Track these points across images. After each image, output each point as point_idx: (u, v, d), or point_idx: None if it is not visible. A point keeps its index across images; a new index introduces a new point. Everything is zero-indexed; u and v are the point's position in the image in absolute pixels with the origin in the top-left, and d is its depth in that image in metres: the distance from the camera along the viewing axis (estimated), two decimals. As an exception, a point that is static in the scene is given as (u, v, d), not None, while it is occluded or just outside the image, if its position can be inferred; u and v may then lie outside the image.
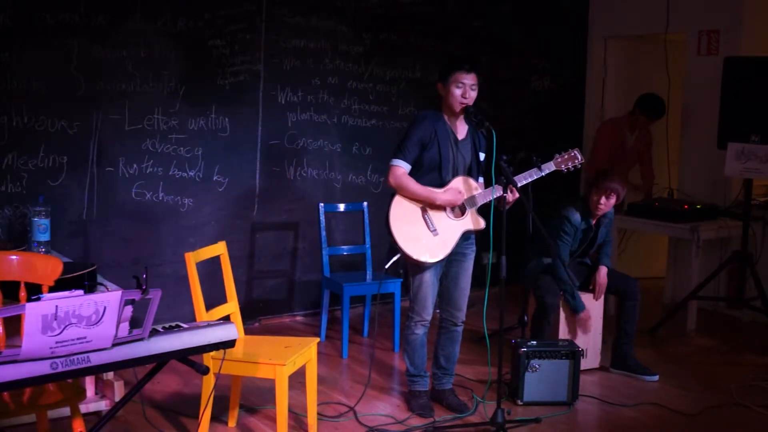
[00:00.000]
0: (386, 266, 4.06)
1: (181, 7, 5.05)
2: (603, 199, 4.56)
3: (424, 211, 3.93)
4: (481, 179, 4.06)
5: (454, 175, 3.96)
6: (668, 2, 6.30)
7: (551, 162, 4.06)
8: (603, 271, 4.72)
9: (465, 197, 3.94)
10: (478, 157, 4.04)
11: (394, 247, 3.94)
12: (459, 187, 3.95)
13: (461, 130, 4.02)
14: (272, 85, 5.47)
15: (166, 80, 5.06)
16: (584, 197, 4.72)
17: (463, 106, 3.91)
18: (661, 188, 6.41)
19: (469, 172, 4.01)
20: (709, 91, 5.86)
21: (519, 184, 3.87)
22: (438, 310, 4.19)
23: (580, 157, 4.10)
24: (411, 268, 4.02)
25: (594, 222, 4.70)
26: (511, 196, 3.86)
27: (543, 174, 4.01)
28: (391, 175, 3.91)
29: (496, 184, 3.84)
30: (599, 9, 6.94)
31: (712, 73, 5.74)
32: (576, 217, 4.64)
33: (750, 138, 5.22)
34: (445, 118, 3.98)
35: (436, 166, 3.93)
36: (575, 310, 4.62)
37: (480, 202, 3.97)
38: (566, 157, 4.09)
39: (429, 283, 4.01)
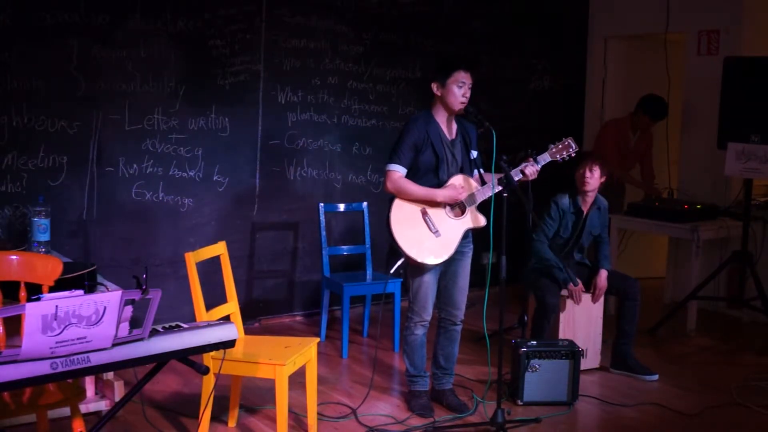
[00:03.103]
0: (391, 271, 4.05)
1: (181, 7, 5.05)
2: (588, 173, 4.59)
3: (424, 213, 3.92)
4: (476, 174, 4.06)
5: (450, 175, 3.97)
6: (668, 2, 6.31)
7: (546, 153, 4.07)
8: (603, 274, 4.72)
9: (465, 194, 3.94)
10: (469, 155, 4.04)
11: (394, 250, 3.94)
12: (459, 183, 3.96)
13: (452, 130, 4.02)
14: (272, 85, 5.47)
15: (166, 80, 5.06)
16: (572, 180, 4.72)
17: (463, 105, 3.91)
18: (662, 188, 6.41)
19: (462, 172, 4.01)
20: (709, 91, 5.86)
21: (516, 178, 3.89)
22: (437, 310, 4.18)
23: (574, 146, 4.11)
24: (411, 269, 4.02)
25: (585, 209, 4.70)
26: (533, 169, 3.90)
27: (539, 165, 4.01)
28: (388, 180, 3.91)
29: (497, 184, 3.85)
30: (599, 9, 6.94)
31: (712, 73, 5.74)
32: (564, 200, 4.67)
33: (750, 138, 5.22)
34: (436, 118, 3.98)
35: (432, 168, 3.93)
36: (565, 282, 4.61)
37: (479, 199, 3.97)
38: (560, 146, 4.10)
39: (429, 283, 4.01)
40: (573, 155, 4.12)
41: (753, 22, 5.99)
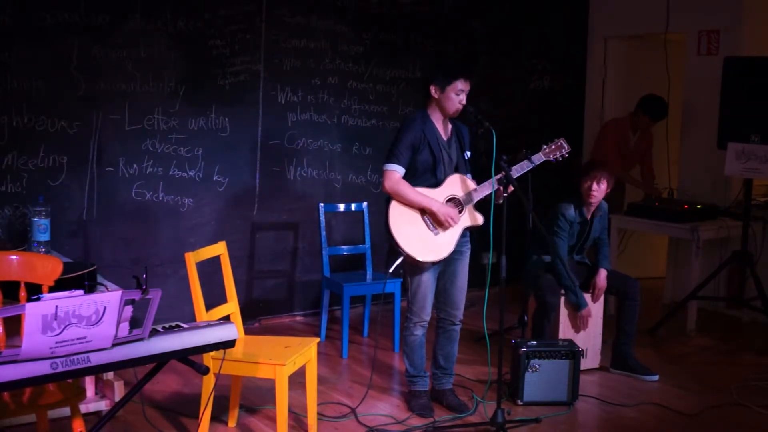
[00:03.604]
0: (390, 270, 4.05)
1: (181, 7, 5.05)
2: (594, 185, 4.58)
3: (423, 212, 3.93)
4: (468, 175, 4.08)
5: (446, 175, 3.98)
6: (668, 2, 6.30)
7: (540, 153, 4.08)
8: (603, 274, 4.72)
9: (458, 226, 3.95)
10: (464, 155, 4.06)
11: (394, 250, 3.94)
12: (458, 188, 3.96)
13: (447, 130, 4.04)
14: (272, 85, 5.47)
15: (166, 80, 5.06)
16: (577, 190, 4.73)
17: (459, 111, 3.94)
18: (662, 188, 6.41)
19: (457, 171, 4.03)
20: (709, 91, 5.86)
21: (516, 174, 3.92)
22: (435, 310, 4.18)
23: (566, 146, 4.12)
24: (409, 268, 4.02)
25: (589, 216, 4.71)
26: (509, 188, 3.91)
27: (534, 165, 4.02)
28: (387, 180, 3.90)
29: (497, 185, 3.87)
30: (599, 9, 6.94)
31: (712, 73, 5.74)
32: (570, 211, 4.66)
33: (750, 138, 5.22)
34: (432, 119, 3.99)
35: (429, 168, 3.94)
36: (577, 307, 4.62)
37: (476, 198, 3.99)
38: (553, 147, 4.11)
39: (428, 283, 4.01)
40: (566, 155, 4.13)
41: (753, 22, 5.98)
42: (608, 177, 4.60)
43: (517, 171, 3.97)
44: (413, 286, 4.03)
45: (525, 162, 3.99)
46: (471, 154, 4.10)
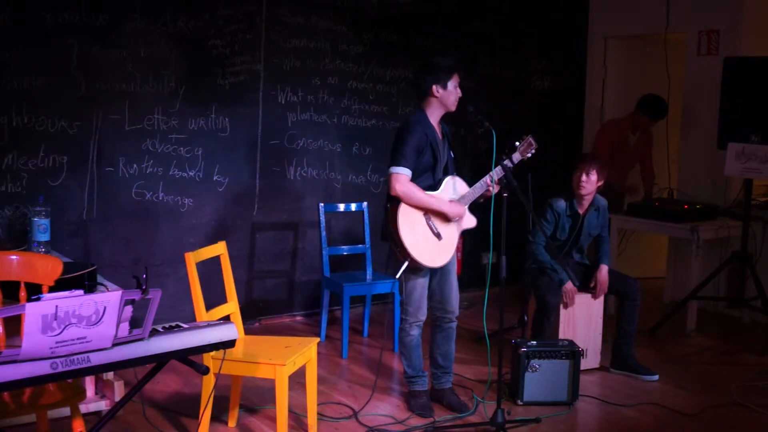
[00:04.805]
0: (397, 276, 4.02)
1: (181, 7, 5.05)
2: (584, 176, 4.60)
3: (427, 218, 3.95)
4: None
5: (442, 175, 4.02)
6: (668, 2, 6.31)
7: (517, 152, 4.11)
8: (604, 269, 4.72)
9: (464, 207, 4.00)
10: (450, 155, 4.10)
11: (395, 253, 3.94)
12: (453, 190, 4.01)
13: (440, 130, 4.07)
14: (272, 85, 5.47)
15: (166, 80, 5.06)
16: (570, 184, 4.73)
17: (456, 102, 3.99)
18: (661, 188, 6.41)
19: (446, 171, 4.06)
20: (709, 91, 5.86)
21: (496, 177, 3.96)
22: (431, 310, 4.18)
23: (534, 143, 4.14)
24: (405, 270, 4.02)
25: (582, 211, 4.71)
26: (496, 188, 3.95)
27: (513, 165, 4.04)
28: (397, 183, 3.87)
29: (496, 184, 3.89)
30: (599, 9, 6.94)
31: (712, 73, 5.74)
32: (560, 203, 4.68)
33: (750, 138, 5.22)
34: (430, 120, 4.00)
35: (429, 168, 3.97)
36: (560, 283, 4.62)
37: (469, 201, 4.02)
38: (525, 144, 4.14)
39: (423, 284, 4.05)
40: (533, 152, 4.14)
41: (753, 22, 5.98)
42: (598, 169, 4.62)
43: (496, 174, 3.97)
44: (409, 288, 4.04)
45: (506, 162, 4.00)
46: (470, 154, 4.12)
